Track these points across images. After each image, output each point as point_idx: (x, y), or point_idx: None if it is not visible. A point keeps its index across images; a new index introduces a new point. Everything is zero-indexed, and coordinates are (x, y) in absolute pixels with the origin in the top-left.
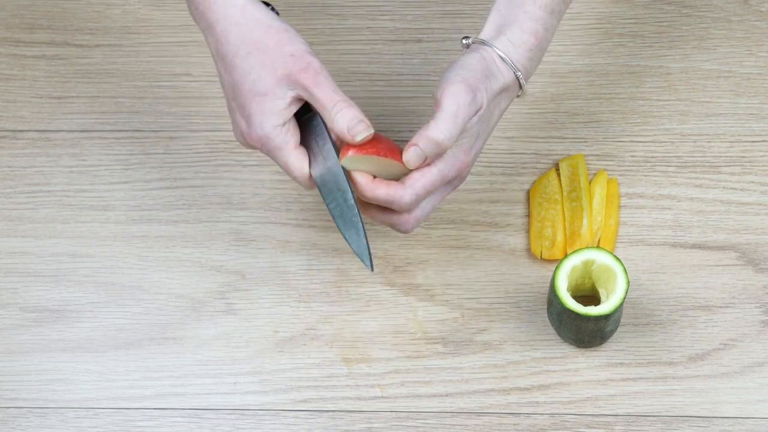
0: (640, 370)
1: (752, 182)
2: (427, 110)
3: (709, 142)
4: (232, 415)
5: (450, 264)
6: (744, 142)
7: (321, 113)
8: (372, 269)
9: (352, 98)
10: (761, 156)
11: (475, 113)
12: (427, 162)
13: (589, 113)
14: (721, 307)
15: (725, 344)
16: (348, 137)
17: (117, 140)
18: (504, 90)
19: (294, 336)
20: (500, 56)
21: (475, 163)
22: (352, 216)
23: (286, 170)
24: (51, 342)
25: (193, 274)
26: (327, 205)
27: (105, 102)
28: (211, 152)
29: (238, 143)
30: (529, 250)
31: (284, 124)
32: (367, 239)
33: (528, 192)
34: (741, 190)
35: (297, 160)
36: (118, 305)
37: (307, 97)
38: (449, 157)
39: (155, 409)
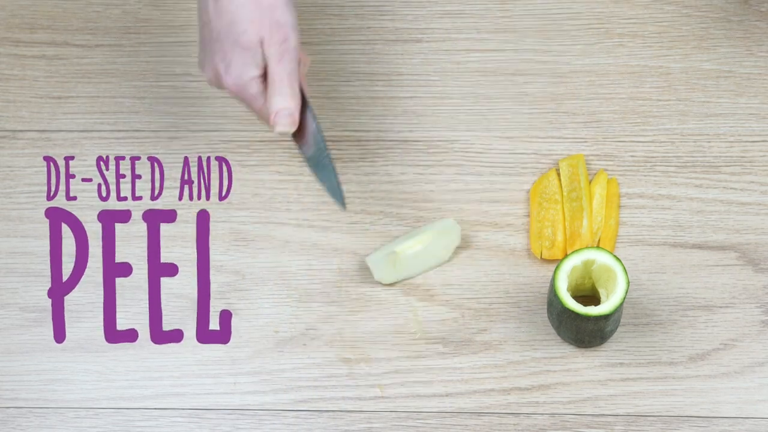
0: (640, 370)
1: (752, 182)
2: (427, 110)
3: (709, 142)
4: (232, 415)
5: (450, 264)
6: (744, 142)
7: (268, 85)
8: (344, 207)
9: (351, 98)
10: (761, 156)
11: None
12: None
13: (589, 113)
14: (721, 307)
15: (725, 344)
16: (271, 121)
17: (117, 140)
18: None
19: (294, 336)
20: None
21: (476, 163)
22: (323, 158)
23: (259, 114)
24: (51, 342)
25: (193, 274)
26: (301, 151)
27: (105, 102)
28: (212, 152)
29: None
30: (529, 250)
31: (261, 74)
32: (338, 179)
33: (528, 192)
34: (741, 190)
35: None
36: (118, 305)
37: (268, 66)
38: None
39: (155, 409)
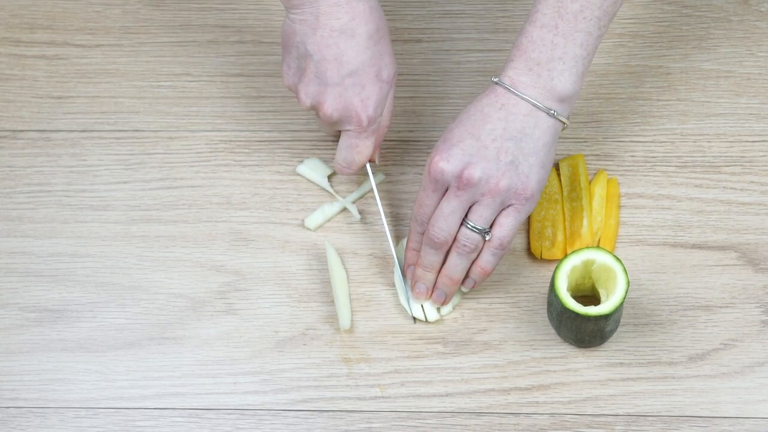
0: (640, 370)
1: (752, 182)
2: (427, 110)
3: (709, 142)
4: (232, 415)
5: None
6: (744, 142)
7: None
8: (414, 321)
9: None
10: (761, 156)
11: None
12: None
13: (589, 113)
14: (721, 307)
15: (725, 344)
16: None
17: (117, 140)
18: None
19: (294, 336)
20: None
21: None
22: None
23: (363, 152)
24: (51, 342)
25: (193, 274)
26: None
27: (105, 102)
28: (211, 152)
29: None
30: (529, 250)
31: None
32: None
33: None
34: (741, 190)
35: (375, 146)
36: (118, 305)
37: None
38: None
39: (155, 409)
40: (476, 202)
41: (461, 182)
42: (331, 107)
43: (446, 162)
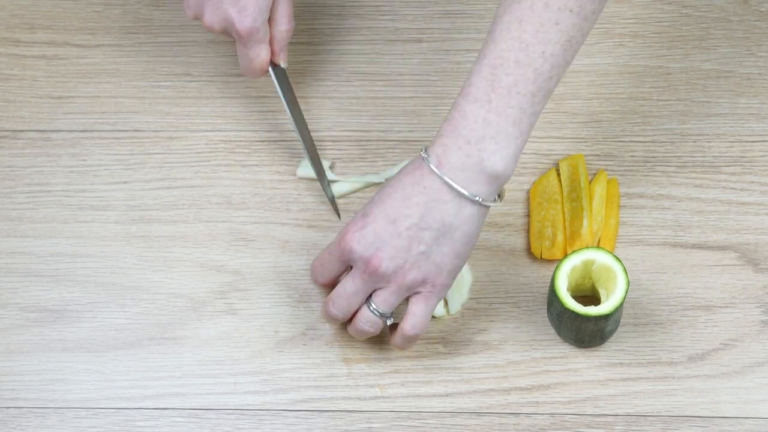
0: (640, 370)
1: (752, 182)
2: (427, 110)
3: (709, 142)
4: (232, 415)
5: None
6: (744, 142)
7: (270, 24)
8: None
9: (351, 98)
10: (761, 156)
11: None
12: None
13: (589, 113)
14: (721, 307)
15: (725, 344)
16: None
17: (117, 140)
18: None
19: (294, 336)
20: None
21: None
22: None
23: (254, 60)
24: (51, 342)
25: (193, 274)
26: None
27: (105, 102)
28: (211, 152)
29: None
30: (529, 250)
31: (267, 19)
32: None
33: (528, 192)
34: (741, 190)
35: (268, 53)
36: (118, 305)
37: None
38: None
39: (155, 409)
40: (381, 287)
41: (368, 267)
42: (209, 20)
43: (357, 243)
